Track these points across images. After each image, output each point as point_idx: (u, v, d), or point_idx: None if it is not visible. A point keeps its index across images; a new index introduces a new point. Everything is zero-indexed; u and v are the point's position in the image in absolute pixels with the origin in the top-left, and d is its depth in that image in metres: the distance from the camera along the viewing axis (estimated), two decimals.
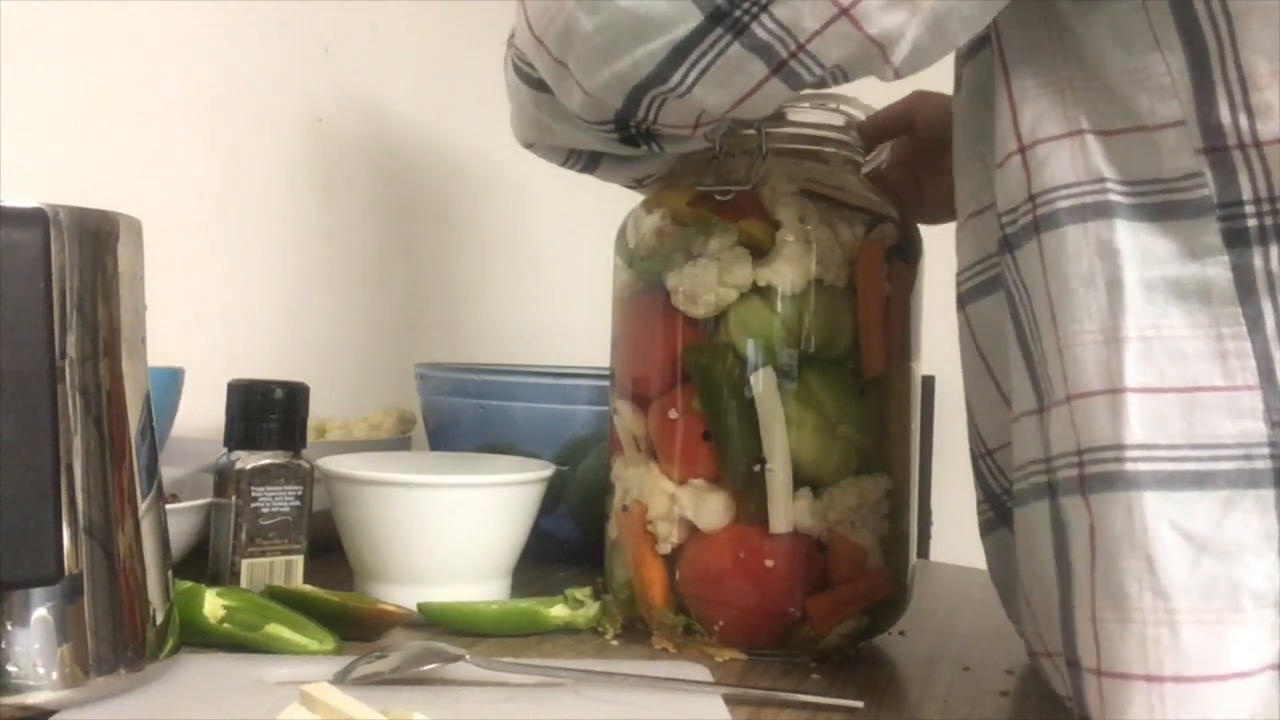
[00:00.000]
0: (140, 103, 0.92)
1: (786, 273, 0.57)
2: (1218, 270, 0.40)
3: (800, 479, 0.57)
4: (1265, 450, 0.39)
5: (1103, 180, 0.42)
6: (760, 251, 0.57)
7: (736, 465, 0.57)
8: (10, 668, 0.43)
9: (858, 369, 0.59)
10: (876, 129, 0.67)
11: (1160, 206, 0.41)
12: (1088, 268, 0.42)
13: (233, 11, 1.00)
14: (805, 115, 0.61)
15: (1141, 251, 0.41)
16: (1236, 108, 0.40)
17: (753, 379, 0.57)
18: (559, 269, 1.45)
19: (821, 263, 0.57)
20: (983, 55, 0.50)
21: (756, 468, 0.57)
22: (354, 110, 1.15)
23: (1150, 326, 0.41)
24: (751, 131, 0.59)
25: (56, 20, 0.85)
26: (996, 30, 0.47)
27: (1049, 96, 0.44)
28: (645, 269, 0.61)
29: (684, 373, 0.59)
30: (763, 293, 0.57)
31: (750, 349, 0.57)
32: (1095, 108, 0.43)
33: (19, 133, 0.81)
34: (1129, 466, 0.40)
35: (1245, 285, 0.40)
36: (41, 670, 0.43)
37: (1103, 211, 0.42)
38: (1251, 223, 0.40)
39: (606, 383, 0.65)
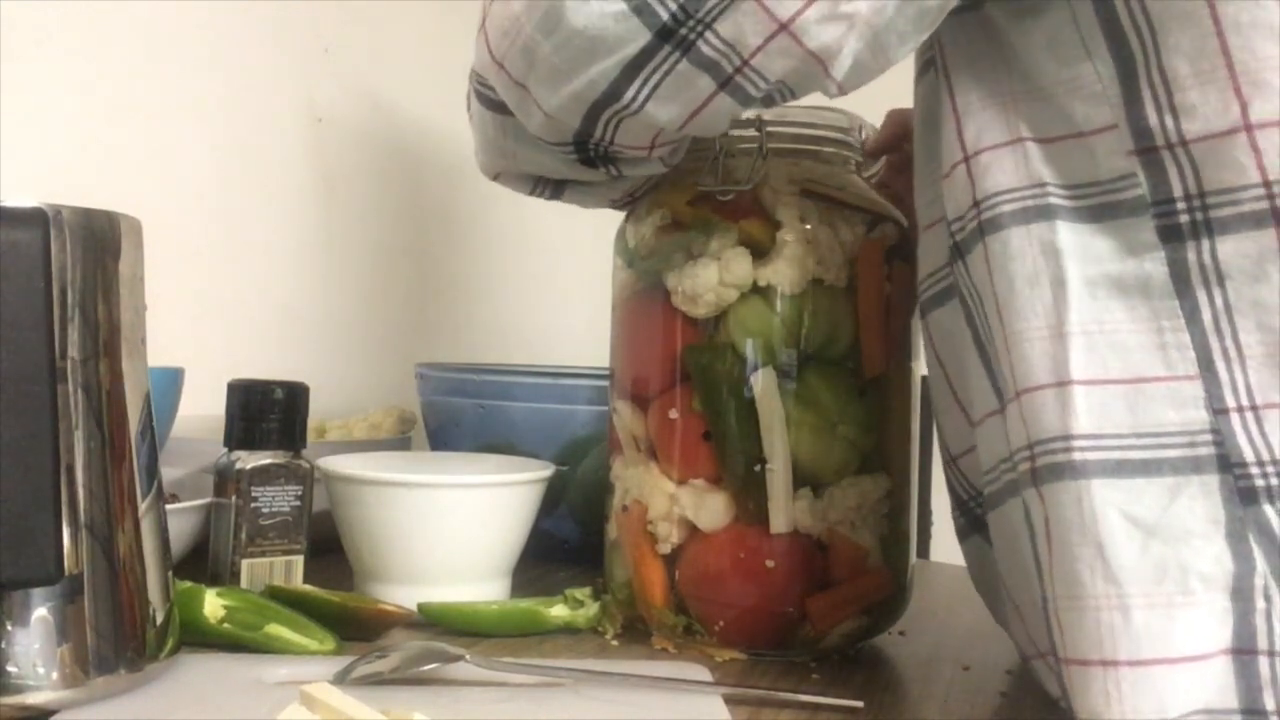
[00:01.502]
0: (140, 103, 0.92)
1: (786, 273, 0.57)
2: (1155, 266, 0.42)
3: (800, 479, 0.57)
4: (1208, 437, 0.40)
5: (1043, 185, 0.44)
6: (760, 251, 0.57)
7: (736, 465, 0.57)
8: (10, 668, 0.43)
9: (858, 369, 0.59)
10: (896, 124, 0.67)
11: (1098, 208, 0.43)
12: (1032, 267, 0.43)
13: (233, 11, 1.00)
14: (805, 115, 0.61)
15: (1082, 250, 0.43)
16: (1163, 109, 0.41)
17: (753, 379, 0.57)
18: (559, 269, 1.45)
19: (821, 263, 0.57)
20: (928, 78, 0.52)
21: (756, 468, 0.57)
22: (354, 110, 1.15)
23: (1093, 321, 0.42)
24: (752, 132, 0.59)
25: (56, 20, 0.85)
26: (940, 50, 0.49)
27: (991, 109, 0.46)
28: (645, 269, 0.61)
29: (684, 373, 0.59)
30: (763, 292, 0.57)
31: (750, 349, 0.57)
32: (1034, 117, 0.45)
33: (19, 133, 0.81)
34: (1077, 456, 0.41)
35: (1181, 279, 0.41)
36: (41, 670, 0.43)
37: (1044, 214, 0.44)
38: (1184, 218, 0.41)
39: (606, 383, 0.65)
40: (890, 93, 0.69)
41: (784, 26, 0.44)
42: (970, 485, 0.55)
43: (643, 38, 0.45)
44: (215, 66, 0.99)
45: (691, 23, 0.44)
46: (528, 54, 0.48)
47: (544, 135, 0.53)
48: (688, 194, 0.60)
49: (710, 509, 0.58)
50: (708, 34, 0.45)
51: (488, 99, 0.55)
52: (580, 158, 0.55)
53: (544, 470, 0.67)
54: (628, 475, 0.62)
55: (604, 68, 0.47)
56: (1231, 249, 0.40)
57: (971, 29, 0.47)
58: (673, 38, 0.45)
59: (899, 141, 0.68)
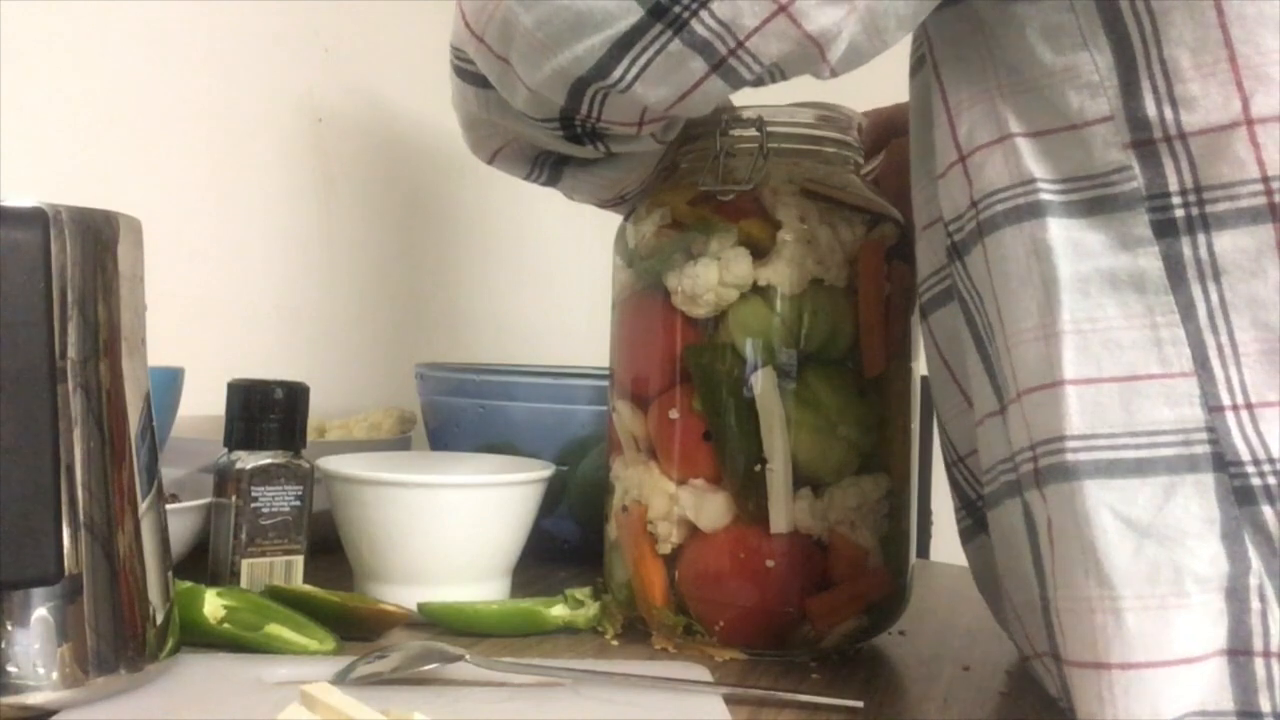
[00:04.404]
0: (140, 103, 0.92)
1: (786, 272, 0.57)
2: (1149, 260, 0.41)
3: (800, 479, 0.57)
4: (1203, 435, 0.40)
5: (1033, 181, 0.43)
6: (760, 251, 0.57)
7: (736, 465, 0.57)
8: (10, 668, 0.43)
9: (858, 369, 0.59)
10: (877, 125, 0.67)
11: (1091, 202, 0.43)
12: (1024, 267, 0.43)
13: (233, 11, 1.00)
14: (805, 115, 0.61)
15: (1073, 246, 0.42)
16: (1162, 101, 0.41)
17: (753, 379, 0.57)
18: (559, 269, 1.45)
19: (821, 263, 0.57)
20: (922, 75, 0.51)
21: (757, 468, 0.57)
22: (354, 110, 1.15)
23: (1086, 319, 0.42)
24: (752, 131, 0.59)
25: (56, 21, 0.85)
26: (930, 46, 0.48)
27: (981, 105, 0.45)
28: (645, 269, 0.61)
29: (684, 373, 0.59)
30: (763, 292, 0.57)
31: (750, 349, 0.57)
32: (1023, 111, 0.44)
33: (19, 133, 0.81)
34: (1069, 457, 0.41)
35: (1176, 274, 0.41)
36: (41, 670, 0.43)
37: (1035, 211, 0.43)
38: (1179, 213, 0.41)
39: (606, 383, 0.65)
40: (884, 91, 0.69)
41: (783, 8, 0.43)
42: (978, 484, 0.54)
43: (634, 14, 0.44)
44: (215, 66, 0.99)
45: (686, 0, 0.43)
46: (507, 28, 0.47)
47: (529, 111, 0.52)
48: (688, 194, 0.60)
49: (710, 509, 0.58)
50: (702, 13, 0.43)
51: (468, 73, 0.54)
52: (567, 134, 0.53)
53: (544, 470, 0.67)
54: (628, 475, 0.62)
55: (591, 44, 0.45)
56: (1228, 244, 0.40)
57: (958, 23, 0.47)
58: (665, 15, 0.44)
59: (886, 137, 0.68)
